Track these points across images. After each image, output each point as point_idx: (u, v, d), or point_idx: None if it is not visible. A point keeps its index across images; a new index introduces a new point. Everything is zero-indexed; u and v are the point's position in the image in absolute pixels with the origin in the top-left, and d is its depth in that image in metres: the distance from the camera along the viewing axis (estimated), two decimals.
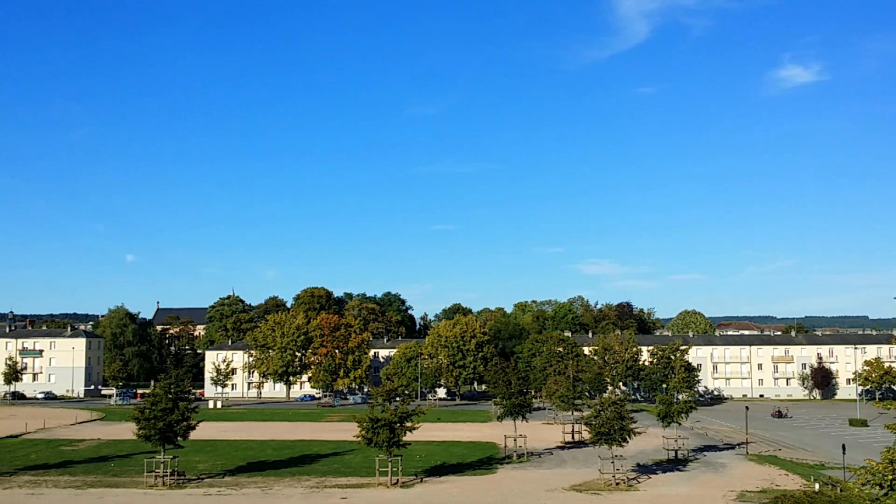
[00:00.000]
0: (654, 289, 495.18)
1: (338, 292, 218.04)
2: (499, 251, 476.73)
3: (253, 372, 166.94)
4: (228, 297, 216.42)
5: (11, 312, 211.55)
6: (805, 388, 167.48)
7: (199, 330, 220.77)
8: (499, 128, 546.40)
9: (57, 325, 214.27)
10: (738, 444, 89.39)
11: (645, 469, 71.40)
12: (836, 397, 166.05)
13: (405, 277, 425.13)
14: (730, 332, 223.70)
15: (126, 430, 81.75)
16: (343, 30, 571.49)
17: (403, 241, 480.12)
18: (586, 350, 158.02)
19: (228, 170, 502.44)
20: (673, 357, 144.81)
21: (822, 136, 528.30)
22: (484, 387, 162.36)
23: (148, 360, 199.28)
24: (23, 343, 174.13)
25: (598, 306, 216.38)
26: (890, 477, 30.90)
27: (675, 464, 74.40)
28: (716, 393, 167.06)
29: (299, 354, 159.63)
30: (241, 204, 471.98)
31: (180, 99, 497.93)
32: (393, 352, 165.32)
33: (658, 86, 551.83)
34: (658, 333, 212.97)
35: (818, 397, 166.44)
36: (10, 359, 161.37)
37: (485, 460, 75.56)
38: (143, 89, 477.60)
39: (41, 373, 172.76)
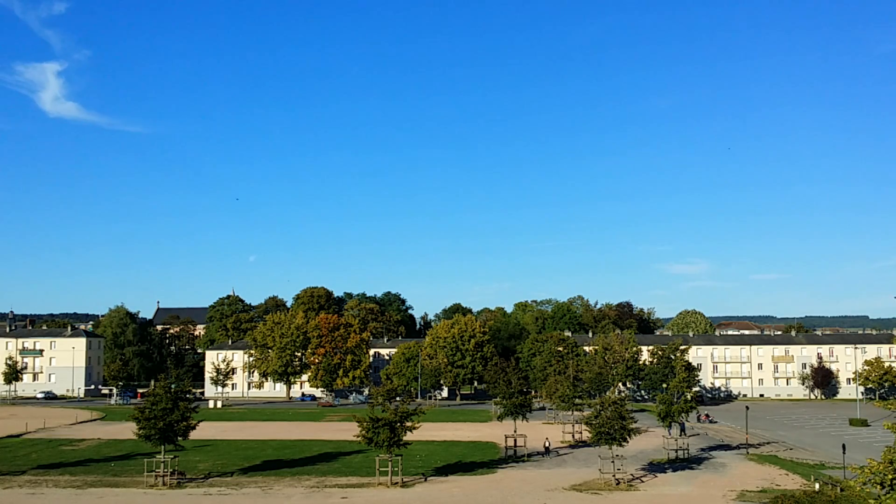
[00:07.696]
0: (732, 289, 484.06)
1: (338, 292, 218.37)
2: (601, 249, 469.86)
3: (253, 372, 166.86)
4: (228, 296, 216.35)
5: (11, 312, 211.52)
6: (805, 387, 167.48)
7: (199, 330, 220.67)
8: (714, 118, 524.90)
9: (57, 324, 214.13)
10: (739, 445, 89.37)
11: (645, 469, 71.36)
12: (838, 397, 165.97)
13: (405, 277, 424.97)
14: (730, 332, 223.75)
15: (126, 430, 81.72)
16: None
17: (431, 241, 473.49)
18: (587, 350, 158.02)
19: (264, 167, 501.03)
20: (673, 357, 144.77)
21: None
22: (483, 386, 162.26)
23: (148, 359, 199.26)
24: (23, 343, 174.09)
25: (598, 306, 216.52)
26: (890, 476, 30.92)
27: (675, 463, 74.34)
28: (723, 392, 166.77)
29: (299, 354, 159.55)
30: (242, 203, 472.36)
31: (188, 94, 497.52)
32: (393, 351, 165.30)
33: None
34: (658, 333, 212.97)
35: (819, 397, 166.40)
36: (11, 358, 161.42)
37: (485, 460, 75.52)
38: (138, 84, 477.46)
39: (41, 372, 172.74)
